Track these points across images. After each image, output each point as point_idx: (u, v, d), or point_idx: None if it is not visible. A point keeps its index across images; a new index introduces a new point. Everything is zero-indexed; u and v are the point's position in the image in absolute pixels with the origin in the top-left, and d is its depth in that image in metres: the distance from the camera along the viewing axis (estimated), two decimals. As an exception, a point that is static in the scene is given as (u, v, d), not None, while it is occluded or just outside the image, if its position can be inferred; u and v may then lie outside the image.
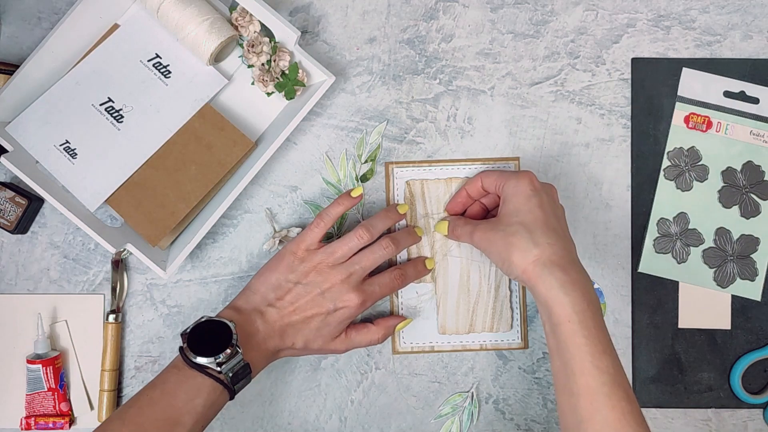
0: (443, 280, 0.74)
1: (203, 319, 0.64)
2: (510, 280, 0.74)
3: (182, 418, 0.60)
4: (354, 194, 0.70)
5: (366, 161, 0.75)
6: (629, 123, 0.75)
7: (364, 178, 0.75)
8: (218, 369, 0.62)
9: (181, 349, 0.63)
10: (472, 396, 0.74)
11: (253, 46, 0.71)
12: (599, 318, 0.60)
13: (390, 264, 0.73)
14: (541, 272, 0.61)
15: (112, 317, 0.73)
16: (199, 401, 0.61)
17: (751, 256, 0.74)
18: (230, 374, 0.62)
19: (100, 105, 0.72)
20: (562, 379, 0.60)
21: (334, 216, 0.69)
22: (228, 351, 0.62)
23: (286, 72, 0.72)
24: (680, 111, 0.75)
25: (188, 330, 0.63)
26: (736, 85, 0.74)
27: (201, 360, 0.62)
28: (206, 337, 0.63)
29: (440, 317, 0.74)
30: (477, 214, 0.72)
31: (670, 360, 0.74)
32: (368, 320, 0.72)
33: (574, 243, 0.64)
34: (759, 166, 0.74)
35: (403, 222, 0.74)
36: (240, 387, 0.64)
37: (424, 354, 0.75)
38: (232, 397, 0.64)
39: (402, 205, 0.72)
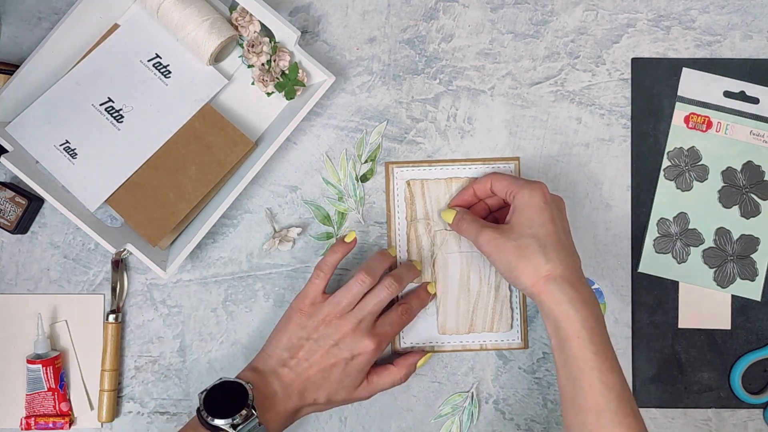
0: (443, 280, 0.74)
1: (221, 380, 0.64)
2: None
3: None
4: (348, 239, 0.71)
5: (366, 161, 0.75)
6: (629, 123, 0.75)
7: (364, 178, 0.75)
8: (233, 430, 0.61)
9: (198, 410, 0.63)
10: (472, 396, 0.74)
11: (253, 46, 0.71)
12: (606, 335, 0.61)
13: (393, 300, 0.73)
14: (551, 287, 0.61)
15: (112, 317, 0.73)
16: None
17: (751, 256, 0.74)
18: None
19: (100, 105, 0.72)
20: (569, 393, 0.60)
21: (332, 264, 0.69)
22: (243, 412, 0.62)
23: (286, 72, 0.72)
24: (680, 111, 0.75)
25: (206, 391, 0.64)
26: (736, 85, 0.74)
27: (217, 422, 0.61)
28: (223, 398, 0.63)
29: (440, 317, 0.74)
30: (479, 213, 0.72)
31: (670, 360, 0.74)
32: (388, 361, 0.72)
33: (580, 258, 0.65)
34: (759, 166, 0.74)
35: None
36: None
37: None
38: None
39: (392, 249, 0.74)
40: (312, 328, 0.67)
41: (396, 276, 0.69)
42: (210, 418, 0.62)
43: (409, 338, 0.74)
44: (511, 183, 0.67)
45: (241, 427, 0.61)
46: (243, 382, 0.64)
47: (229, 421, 0.61)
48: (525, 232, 0.64)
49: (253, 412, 0.62)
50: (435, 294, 0.74)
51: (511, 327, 0.74)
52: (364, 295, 0.68)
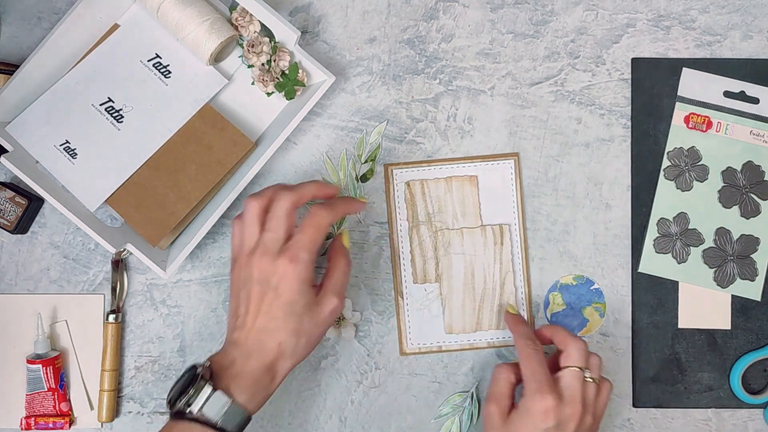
0: (447, 279, 0.74)
1: (188, 367, 0.62)
2: (515, 277, 0.74)
3: None
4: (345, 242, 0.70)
5: (366, 161, 0.75)
6: (629, 123, 0.75)
7: (363, 178, 0.75)
8: (188, 410, 0.59)
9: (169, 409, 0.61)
10: (472, 396, 0.74)
11: (253, 46, 0.71)
12: None
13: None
14: None
15: (112, 317, 0.73)
16: None
17: (751, 256, 0.74)
18: (202, 410, 0.59)
19: (100, 105, 0.72)
20: None
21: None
22: (191, 390, 0.59)
23: (286, 72, 0.72)
24: (680, 111, 0.75)
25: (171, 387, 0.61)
26: (736, 85, 0.74)
27: (176, 406, 0.59)
28: (183, 386, 0.60)
29: (446, 317, 0.74)
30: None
31: (670, 360, 0.74)
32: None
33: None
34: (759, 166, 0.74)
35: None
36: (230, 422, 0.60)
37: (424, 354, 0.75)
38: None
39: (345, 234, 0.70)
40: (237, 283, 0.64)
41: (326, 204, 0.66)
42: (168, 407, 0.60)
43: (415, 339, 0.74)
44: (531, 376, 0.65)
45: (195, 405, 0.58)
46: (194, 364, 0.61)
47: (185, 400, 0.59)
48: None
49: (204, 384, 0.59)
50: (365, 203, 0.71)
51: None
52: None
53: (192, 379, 0.60)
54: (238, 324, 0.64)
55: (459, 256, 0.74)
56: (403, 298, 0.74)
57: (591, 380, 0.65)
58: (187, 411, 0.59)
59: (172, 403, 0.60)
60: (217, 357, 0.63)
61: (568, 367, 0.65)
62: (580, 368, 0.65)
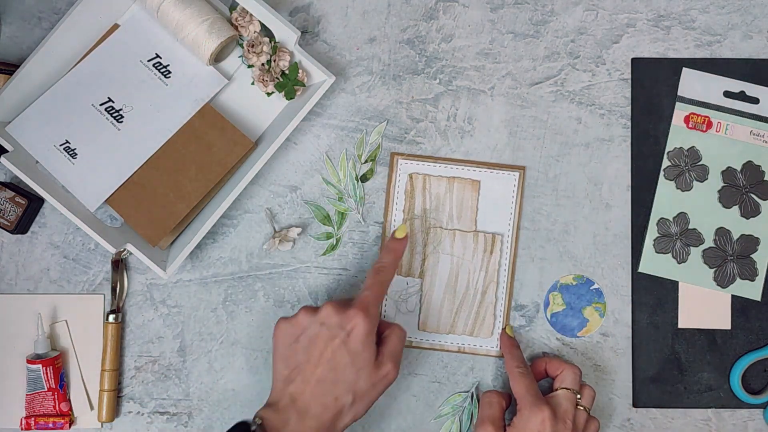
0: (431, 276, 0.74)
1: (236, 423, 0.62)
2: (498, 288, 0.74)
3: None
4: (399, 235, 0.71)
5: (366, 161, 0.75)
6: (629, 123, 0.75)
7: (363, 178, 0.75)
8: None
9: None
10: (472, 396, 0.74)
11: (253, 46, 0.71)
12: None
13: None
14: None
15: (112, 317, 0.73)
16: None
17: (751, 256, 0.74)
18: None
19: (100, 105, 0.72)
20: None
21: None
22: None
23: (286, 72, 0.72)
24: (680, 111, 0.75)
25: None
26: (736, 85, 0.74)
27: None
28: None
29: (422, 313, 0.74)
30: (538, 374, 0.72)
31: (670, 360, 0.74)
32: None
33: None
34: (759, 166, 0.74)
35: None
36: None
37: (423, 352, 0.75)
38: None
39: (400, 228, 0.71)
40: (295, 333, 0.64)
41: (377, 268, 0.68)
42: None
43: None
44: (525, 393, 0.66)
45: None
46: (249, 421, 0.60)
47: None
48: None
49: None
50: (406, 236, 0.71)
51: (492, 334, 0.74)
52: None
53: None
54: (292, 376, 0.62)
55: (447, 257, 0.74)
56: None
57: (582, 408, 0.67)
58: None
59: None
60: (268, 414, 0.61)
61: (562, 388, 0.67)
62: (573, 391, 0.67)
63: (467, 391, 0.74)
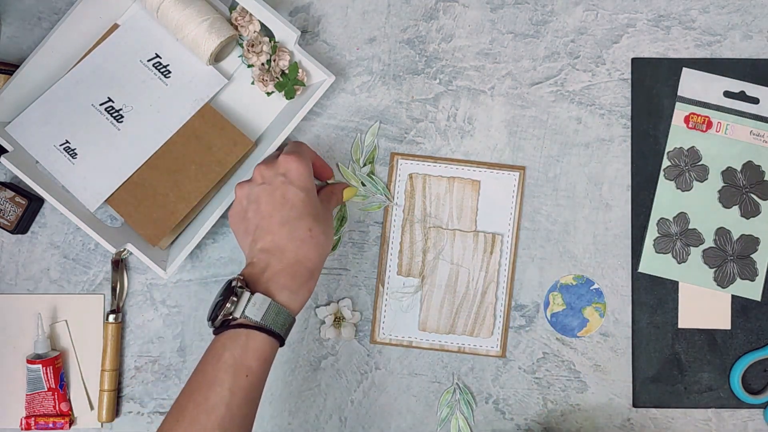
0: (431, 277, 0.74)
1: (226, 284, 0.61)
2: (498, 288, 0.74)
3: (217, 376, 0.56)
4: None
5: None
6: (629, 123, 0.75)
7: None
8: (231, 317, 0.58)
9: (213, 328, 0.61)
10: (457, 386, 0.74)
11: (253, 45, 0.71)
12: None
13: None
14: None
15: (112, 317, 0.73)
16: (228, 354, 0.57)
17: (751, 256, 0.74)
18: (244, 314, 0.58)
19: (100, 105, 0.72)
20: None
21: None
22: (233, 299, 0.58)
23: (286, 72, 0.72)
24: (680, 111, 0.75)
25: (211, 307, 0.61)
26: (736, 85, 0.74)
27: (218, 322, 0.59)
28: (221, 300, 0.60)
29: (422, 314, 0.74)
30: None
31: (670, 360, 0.74)
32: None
33: None
34: (759, 166, 0.74)
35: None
36: (275, 322, 0.59)
37: (423, 352, 0.75)
38: (279, 338, 0.59)
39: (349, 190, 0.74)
40: (242, 207, 0.65)
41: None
42: (211, 326, 0.59)
43: (387, 329, 0.74)
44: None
45: (238, 308, 0.58)
46: (230, 279, 0.61)
47: (224, 311, 0.58)
48: None
49: (240, 290, 0.58)
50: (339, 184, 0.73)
51: (492, 334, 0.74)
52: None
53: (229, 292, 0.59)
54: (258, 235, 0.63)
55: (447, 257, 0.74)
56: (383, 286, 0.74)
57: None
58: (231, 319, 0.58)
59: (213, 319, 0.59)
60: (248, 269, 0.62)
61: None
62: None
63: (450, 385, 0.74)
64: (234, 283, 0.59)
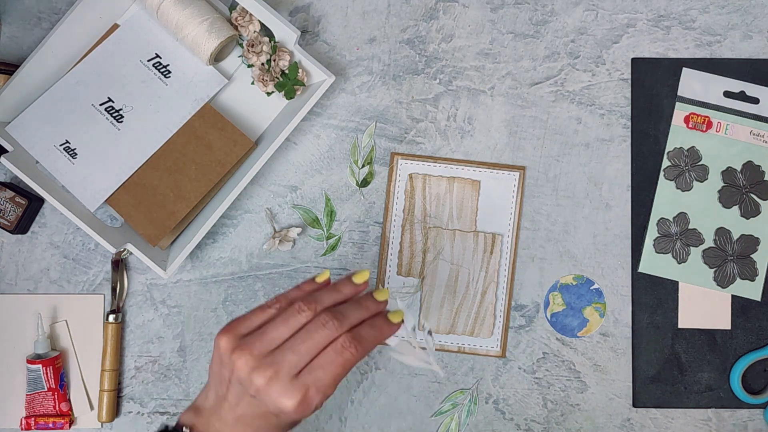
0: (431, 277, 0.74)
1: (164, 428, 0.55)
2: (498, 288, 0.74)
3: None
4: (319, 279, 0.57)
5: (363, 165, 0.75)
6: (629, 123, 0.75)
7: (364, 183, 0.75)
8: None
9: None
10: (473, 394, 0.74)
11: (252, 45, 0.71)
12: None
13: None
14: None
15: (112, 317, 0.73)
16: None
17: (751, 256, 0.74)
18: None
19: (100, 105, 0.72)
20: None
21: (292, 300, 0.55)
22: None
23: (286, 72, 0.72)
24: (680, 111, 0.75)
25: None
26: (736, 85, 0.74)
27: None
28: None
29: (422, 313, 0.74)
30: None
31: (670, 360, 0.74)
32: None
33: None
34: (759, 166, 0.74)
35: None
36: None
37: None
38: None
39: (360, 273, 0.57)
40: (230, 368, 0.52)
41: (338, 312, 0.53)
42: None
43: None
44: None
45: None
46: (179, 429, 0.54)
47: None
48: None
49: None
50: (401, 323, 0.57)
51: (492, 334, 0.74)
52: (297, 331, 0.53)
53: None
54: (224, 406, 0.54)
55: (447, 257, 0.74)
56: (383, 286, 0.74)
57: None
58: None
59: None
60: (199, 423, 0.55)
61: None
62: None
63: (468, 389, 0.74)
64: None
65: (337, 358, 0.52)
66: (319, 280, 0.57)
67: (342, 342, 0.52)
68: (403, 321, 0.57)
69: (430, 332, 0.59)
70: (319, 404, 0.52)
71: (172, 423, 0.56)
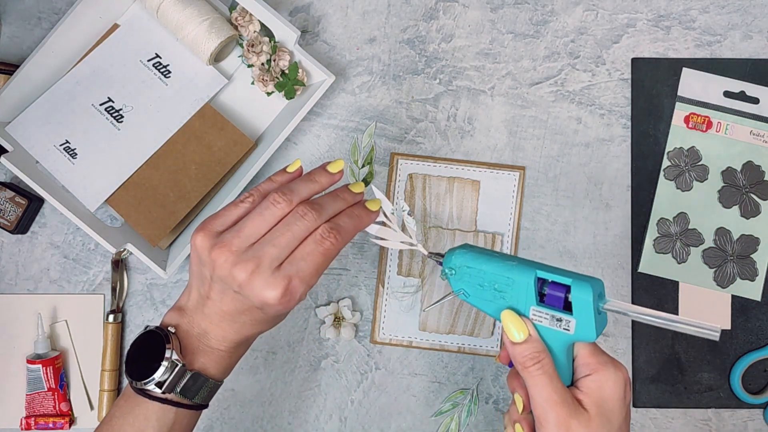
0: (431, 278, 0.74)
1: (146, 330, 0.54)
2: None
3: None
4: (290, 168, 0.56)
5: (363, 165, 0.75)
6: (629, 123, 0.75)
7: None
8: (160, 389, 0.52)
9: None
10: (473, 394, 0.74)
11: (252, 45, 0.71)
12: None
13: None
14: None
15: (112, 317, 0.73)
16: (151, 430, 0.53)
17: (751, 256, 0.74)
18: (178, 390, 0.53)
19: (100, 105, 0.72)
20: None
21: (265, 192, 0.54)
22: (164, 364, 0.52)
23: (286, 71, 0.72)
24: (680, 111, 0.75)
25: (129, 349, 0.54)
26: (736, 85, 0.74)
27: (141, 384, 0.52)
28: (147, 352, 0.53)
29: (422, 313, 0.74)
30: None
31: (670, 360, 0.74)
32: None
33: None
34: (759, 166, 0.74)
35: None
36: (203, 397, 0.54)
37: (423, 352, 0.75)
38: (202, 408, 0.55)
39: (335, 162, 0.56)
40: (211, 265, 0.52)
41: (315, 203, 0.53)
42: (131, 380, 0.53)
43: (388, 330, 0.74)
44: (597, 356, 0.52)
45: (167, 382, 0.52)
46: (160, 330, 0.54)
47: (151, 380, 0.52)
48: (606, 415, 0.50)
49: (176, 362, 0.52)
50: (379, 210, 0.57)
51: (492, 334, 0.74)
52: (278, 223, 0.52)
53: (159, 353, 0.52)
54: (208, 304, 0.54)
55: None
56: (383, 286, 0.74)
57: None
58: (151, 390, 0.53)
59: (139, 377, 0.53)
60: (183, 322, 0.55)
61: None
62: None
63: (469, 389, 0.74)
64: (169, 351, 0.53)
65: (317, 248, 0.52)
66: (291, 169, 0.56)
67: (321, 232, 0.52)
68: (381, 208, 0.57)
69: (409, 213, 0.59)
70: (303, 295, 0.52)
71: (155, 325, 0.55)
